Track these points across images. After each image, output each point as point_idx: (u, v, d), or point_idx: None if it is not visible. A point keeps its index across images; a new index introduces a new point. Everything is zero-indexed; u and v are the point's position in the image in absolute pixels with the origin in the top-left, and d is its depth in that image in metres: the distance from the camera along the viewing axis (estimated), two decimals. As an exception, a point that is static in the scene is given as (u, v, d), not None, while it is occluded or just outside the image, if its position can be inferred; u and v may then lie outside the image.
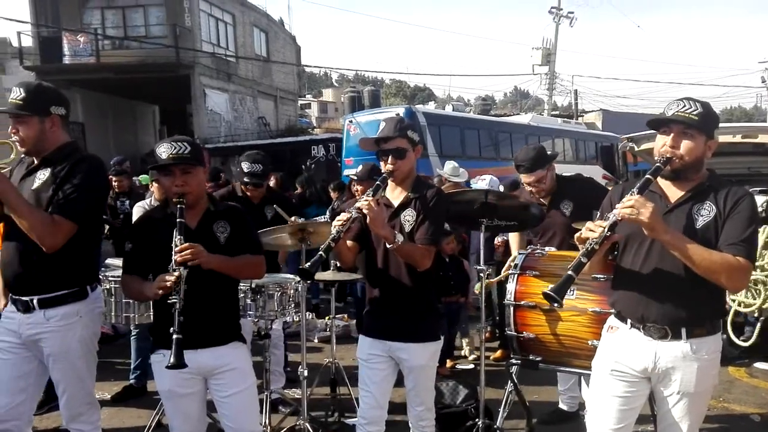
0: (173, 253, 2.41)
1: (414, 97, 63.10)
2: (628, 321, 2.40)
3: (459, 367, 5.43)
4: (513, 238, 4.25)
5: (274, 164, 4.51)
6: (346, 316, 6.85)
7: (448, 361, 5.37)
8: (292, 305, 3.69)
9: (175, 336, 2.34)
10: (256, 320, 3.59)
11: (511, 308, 3.57)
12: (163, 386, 2.62)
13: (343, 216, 2.66)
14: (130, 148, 19.38)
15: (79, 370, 2.70)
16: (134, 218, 4.66)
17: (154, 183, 4.55)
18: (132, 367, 4.67)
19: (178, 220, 2.48)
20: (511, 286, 3.61)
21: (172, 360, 2.33)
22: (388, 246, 2.71)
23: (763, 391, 4.82)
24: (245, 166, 4.18)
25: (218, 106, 20.47)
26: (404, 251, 2.72)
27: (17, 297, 2.64)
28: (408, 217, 2.83)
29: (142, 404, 4.43)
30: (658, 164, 2.28)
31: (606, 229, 2.18)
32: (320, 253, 2.55)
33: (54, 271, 2.59)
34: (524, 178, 3.93)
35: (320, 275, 4.74)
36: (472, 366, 5.47)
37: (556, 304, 2.18)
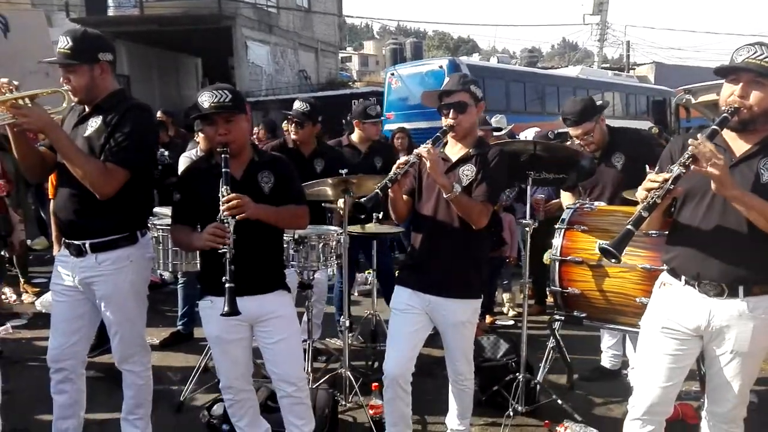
0: (220, 203, 2.41)
1: (458, 49, 61.60)
2: (683, 278, 2.32)
3: (499, 323, 5.41)
4: (564, 195, 4.12)
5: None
6: (386, 269, 6.86)
7: (487, 316, 5.35)
8: (334, 257, 3.70)
9: (227, 285, 2.37)
10: (299, 270, 3.62)
11: (557, 263, 3.49)
12: (211, 332, 2.68)
13: (402, 159, 2.65)
14: (174, 100, 19.56)
15: (130, 312, 2.78)
16: (180, 168, 4.71)
17: (199, 133, 4.57)
18: (179, 314, 4.80)
19: (223, 170, 2.47)
20: (557, 241, 3.52)
21: (226, 308, 2.37)
22: (445, 195, 2.66)
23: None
24: (296, 104, 4.24)
25: (260, 59, 20.41)
26: (461, 203, 2.67)
27: (70, 241, 2.71)
28: (467, 171, 2.78)
29: (190, 349, 4.58)
30: (725, 114, 2.15)
31: (670, 182, 2.07)
32: (376, 190, 2.55)
33: (105, 216, 2.63)
34: (572, 131, 3.78)
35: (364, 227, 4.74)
36: (512, 322, 5.45)
37: (614, 260, 2.09)
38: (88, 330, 2.86)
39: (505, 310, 5.72)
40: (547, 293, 5.61)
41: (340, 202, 3.61)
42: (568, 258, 3.44)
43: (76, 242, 2.68)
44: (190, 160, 4.66)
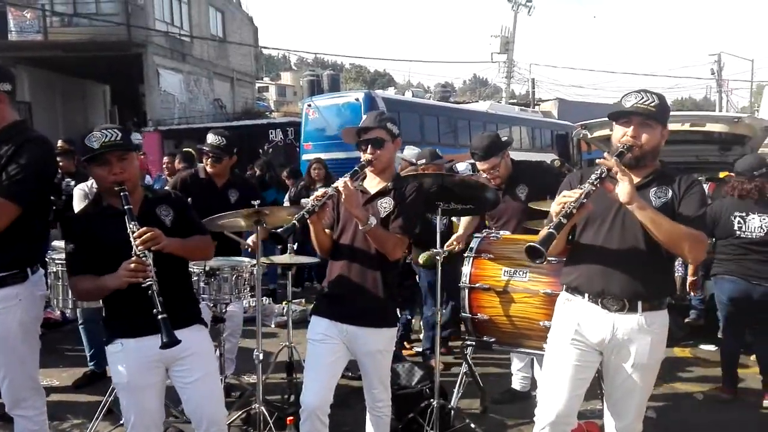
0: (132, 239, 2.34)
1: (374, 82, 62.86)
2: (586, 295, 2.51)
3: (416, 349, 5.48)
4: (464, 220, 4.33)
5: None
6: (303, 300, 6.82)
7: (405, 343, 5.41)
8: (248, 289, 3.65)
9: (160, 316, 2.28)
10: (211, 304, 3.53)
11: (466, 290, 3.62)
12: (120, 378, 2.51)
13: (320, 191, 2.70)
14: (80, 128, 18.59)
15: (20, 354, 2.61)
16: (75, 201, 4.50)
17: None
18: (88, 354, 4.55)
19: (125, 207, 2.39)
20: (466, 269, 3.65)
21: (164, 339, 2.26)
22: (360, 227, 2.72)
23: (706, 371, 5.03)
24: (210, 138, 4.16)
25: (172, 87, 19.93)
26: (377, 235, 2.74)
27: None
28: (385, 204, 2.86)
29: (93, 390, 4.33)
30: (621, 150, 2.40)
31: (583, 195, 2.27)
32: (293, 221, 2.57)
33: None
34: (479, 165, 3.98)
35: (277, 258, 4.71)
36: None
37: (539, 260, 2.24)
38: None
39: (422, 336, 5.80)
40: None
41: (250, 239, 3.58)
42: (477, 285, 3.57)
43: None
44: (84, 191, 4.47)
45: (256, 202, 3.54)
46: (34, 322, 2.68)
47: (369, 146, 2.84)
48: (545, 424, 2.54)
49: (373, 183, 2.94)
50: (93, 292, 2.58)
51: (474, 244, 3.76)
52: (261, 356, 3.56)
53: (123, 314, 2.42)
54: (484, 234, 3.80)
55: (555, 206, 2.36)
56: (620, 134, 2.45)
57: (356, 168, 2.80)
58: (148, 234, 2.36)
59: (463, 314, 3.63)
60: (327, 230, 2.91)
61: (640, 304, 2.42)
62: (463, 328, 3.80)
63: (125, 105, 21.87)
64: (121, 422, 3.58)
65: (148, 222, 2.46)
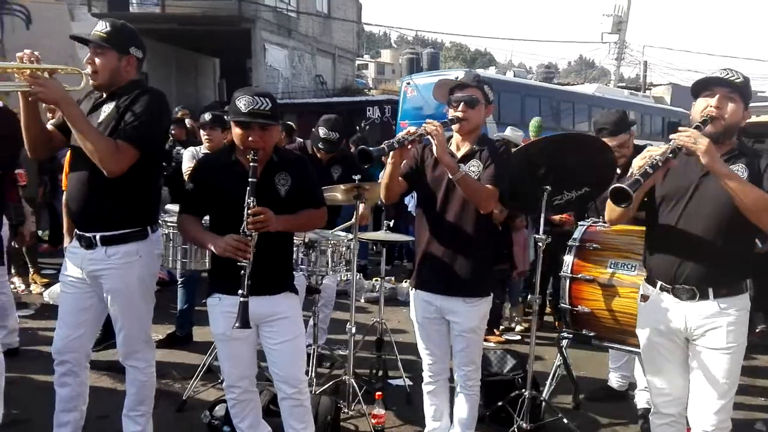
0: (245, 213, 2.42)
1: (474, 61, 61.67)
2: (658, 284, 2.44)
3: (505, 337, 5.36)
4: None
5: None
6: (393, 278, 6.85)
7: (495, 331, 5.31)
8: (343, 263, 3.69)
9: (241, 299, 2.38)
10: (307, 275, 3.60)
11: (567, 281, 3.46)
12: (217, 329, 2.67)
13: (412, 128, 2.65)
14: (191, 100, 19.66)
15: (137, 308, 2.76)
16: (184, 163, 4.69)
17: (201, 130, 4.55)
18: (177, 314, 4.78)
19: (250, 179, 2.46)
20: (568, 258, 3.49)
21: (237, 323, 2.38)
22: (450, 176, 2.67)
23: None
24: (322, 132, 4.23)
25: (277, 62, 20.51)
26: (468, 184, 2.68)
27: (81, 233, 2.70)
28: (473, 167, 2.79)
29: (194, 348, 4.58)
30: (698, 123, 2.29)
31: (669, 151, 2.20)
32: (383, 145, 2.56)
33: (117, 210, 2.63)
34: (607, 142, 3.69)
35: (371, 235, 4.73)
36: (518, 338, 5.40)
37: (624, 204, 2.13)
38: (94, 323, 2.85)
39: (512, 325, 5.68)
40: (548, 308, 5.63)
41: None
42: (579, 276, 3.41)
43: (87, 234, 2.67)
44: (193, 154, 4.65)
45: (356, 177, 3.55)
46: (151, 278, 2.82)
47: (461, 104, 2.76)
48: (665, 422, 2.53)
49: (459, 146, 2.87)
50: (193, 237, 2.76)
51: (578, 233, 3.58)
52: (354, 330, 3.60)
53: (224, 272, 2.54)
54: (590, 222, 3.60)
55: (638, 161, 2.28)
56: (702, 106, 2.34)
57: (446, 120, 2.74)
58: (261, 216, 2.43)
59: (561, 305, 3.48)
60: (400, 179, 2.84)
61: (711, 291, 2.34)
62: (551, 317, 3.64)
63: (233, 78, 22.79)
64: (220, 381, 3.78)
65: (263, 190, 2.53)
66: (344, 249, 3.63)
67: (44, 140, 2.70)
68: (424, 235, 2.89)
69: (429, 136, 2.64)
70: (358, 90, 26.34)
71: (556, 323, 5.19)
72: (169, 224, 3.62)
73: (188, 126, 7.66)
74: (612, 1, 25.79)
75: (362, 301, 6.20)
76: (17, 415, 3.29)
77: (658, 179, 2.33)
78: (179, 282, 4.71)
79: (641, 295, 2.57)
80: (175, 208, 3.96)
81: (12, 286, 5.70)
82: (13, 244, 5.51)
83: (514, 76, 21.11)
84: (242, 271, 2.41)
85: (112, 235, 2.65)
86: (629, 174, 2.29)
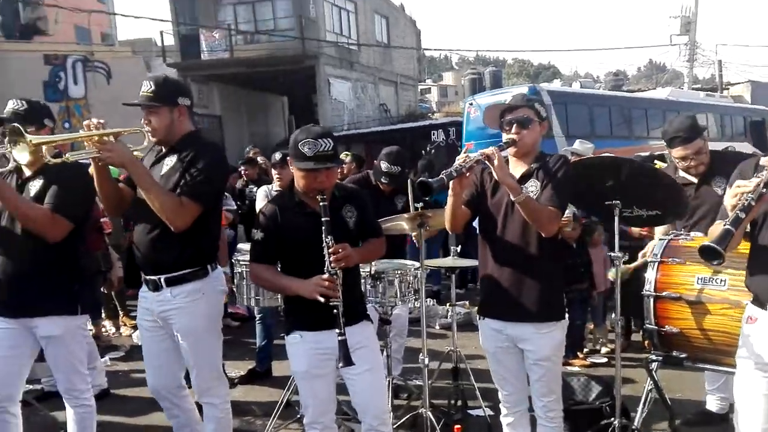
0: (327, 254, 2.46)
1: (538, 75, 60.80)
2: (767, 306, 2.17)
3: (590, 360, 5.12)
4: (660, 230, 3.83)
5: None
6: (467, 303, 6.71)
7: (578, 353, 5.08)
8: (412, 291, 3.65)
9: (339, 338, 2.42)
10: (378, 306, 3.59)
11: (651, 299, 3.25)
12: (298, 367, 2.68)
13: (471, 155, 2.59)
14: (262, 138, 20.41)
15: (206, 344, 2.87)
16: (258, 203, 4.84)
17: (272, 169, 4.71)
18: (257, 351, 4.85)
19: (323, 218, 2.50)
20: (650, 275, 3.28)
21: (341, 363, 2.44)
22: (513, 198, 2.59)
23: None
24: (384, 166, 4.24)
25: (341, 95, 20.97)
26: (530, 206, 2.59)
27: (148, 277, 2.84)
28: (531, 188, 2.69)
29: (273, 383, 4.62)
30: None
31: (762, 184, 1.98)
32: (442, 176, 2.51)
33: (177, 251, 2.75)
34: (680, 151, 3.45)
35: (440, 261, 4.67)
36: (605, 360, 5.14)
37: (716, 261, 1.97)
38: (176, 360, 2.93)
39: (598, 347, 5.42)
40: (632, 327, 5.33)
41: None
42: (664, 294, 3.20)
43: (153, 277, 2.81)
44: (266, 194, 4.79)
45: (418, 205, 3.53)
46: (216, 316, 2.94)
47: (514, 125, 2.69)
48: None
49: (516, 168, 2.76)
50: (273, 286, 2.80)
51: (658, 248, 3.37)
52: (427, 361, 3.53)
53: (303, 309, 2.56)
54: (672, 235, 3.39)
55: (729, 198, 2.09)
56: None
57: (501, 143, 2.67)
58: (343, 254, 2.46)
59: (647, 326, 3.27)
60: (462, 207, 2.77)
61: None
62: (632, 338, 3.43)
63: (301, 114, 23.50)
64: (298, 416, 3.80)
65: (334, 226, 2.56)
66: (411, 278, 3.59)
67: (117, 199, 2.86)
68: (487, 260, 2.82)
69: (487, 161, 2.59)
70: (422, 115, 26.48)
71: (645, 343, 4.91)
72: (242, 263, 3.71)
73: (261, 164, 7.89)
74: (678, 2, 24.77)
75: (437, 327, 6.11)
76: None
77: (755, 213, 2.10)
78: (257, 318, 4.80)
79: (747, 316, 2.32)
80: (247, 246, 4.07)
81: (103, 329, 6.03)
82: (102, 289, 5.83)
83: (581, 87, 20.61)
84: (335, 310, 2.44)
85: (175, 276, 2.77)
86: (720, 212, 2.13)
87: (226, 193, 6.87)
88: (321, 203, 2.52)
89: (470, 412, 3.98)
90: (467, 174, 2.59)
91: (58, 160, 2.69)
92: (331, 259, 2.46)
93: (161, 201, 2.64)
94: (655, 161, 5.94)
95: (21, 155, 2.62)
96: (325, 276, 2.47)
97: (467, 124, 14.25)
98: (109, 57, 17.30)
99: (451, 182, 2.56)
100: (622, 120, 15.05)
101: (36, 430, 3.25)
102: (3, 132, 2.93)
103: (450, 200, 2.72)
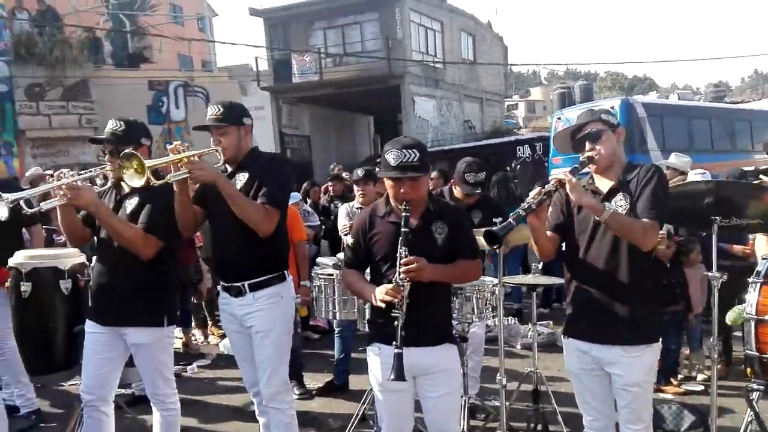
0: (398, 264, 2.46)
1: (632, 88, 58.30)
2: None
3: (685, 387, 4.77)
4: (760, 240, 3.57)
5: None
6: (551, 323, 6.47)
7: (672, 380, 4.76)
8: (490, 309, 3.56)
9: (396, 351, 2.41)
10: (455, 323, 3.52)
11: (753, 323, 3.00)
12: (376, 379, 2.68)
13: (537, 189, 2.52)
14: (349, 156, 20.86)
15: (281, 348, 3.02)
16: (339, 220, 4.95)
17: (356, 188, 4.82)
18: (335, 362, 4.90)
19: (402, 229, 2.50)
20: (752, 297, 3.04)
21: (392, 376, 2.40)
22: (597, 217, 2.48)
23: None
24: (469, 177, 4.17)
25: (426, 113, 21.07)
26: (619, 222, 2.46)
27: (229, 284, 2.99)
28: (620, 201, 2.55)
29: (349, 396, 4.65)
30: None
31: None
32: (510, 220, 2.43)
33: (259, 259, 2.94)
34: None
35: (520, 279, 4.53)
36: (701, 387, 4.77)
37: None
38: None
39: (694, 373, 5.05)
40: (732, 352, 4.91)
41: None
42: (767, 317, 2.94)
43: (236, 284, 2.96)
44: (347, 211, 4.89)
45: (497, 220, 3.46)
46: (290, 320, 3.09)
47: (586, 142, 2.59)
48: None
49: (601, 183, 2.64)
50: (354, 290, 2.84)
51: (762, 267, 3.11)
52: (504, 381, 3.43)
53: (384, 322, 2.54)
54: (775, 255, 3.12)
55: None
56: None
57: (576, 165, 2.58)
58: (413, 266, 2.44)
59: (748, 352, 3.02)
60: (549, 233, 2.68)
61: None
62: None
63: (386, 133, 23.82)
64: (374, 430, 3.79)
65: (421, 236, 2.57)
66: (489, 294, 3.51)
67: (193, 218, 3.03)
68: (574, 279, 2.70)
69: (560, 187, 2.51)
70: (508, 131, 26.08)
71: (747, 371, 4.52)
72: (320, 276, 3.78)
73: (346, 181, 8.06)
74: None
75: (518, 347, 5.92)
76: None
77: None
78: (336, 331, 4.86)
79: None
80: (326, 260, 4.15)
81: (192, 337, 6.33)
82: (193, 299, 6.13)
83: (679, 99, 19.55)
84: (395, 322, 2.42)
85: (257, 282, 2.95)
86: None
87: (309, 209, 7.11)
88: (403, 213, 2.53)
89: (552, 436, 3.82)
90: (538, 209, 2.52)
91: (162, 182, 2.82)
92: (401, 270, 2.44)
93: (248, 211, 2.82)
94: (761, 176, 5.51)
95: (134, 180, 2.74)
96: (390, 285, 2.46)
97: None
98: (207, 82, 18.38)
99: (528, 216, 2.50)
100: (724, 133, 14.11)
101: (123, 432, 3.44)
102: (103, 152, 3.18)
103: (532, 234, 2.65)
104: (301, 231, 4.98)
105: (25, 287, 3.48)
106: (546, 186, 2.53)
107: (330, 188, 7.89)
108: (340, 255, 4.16)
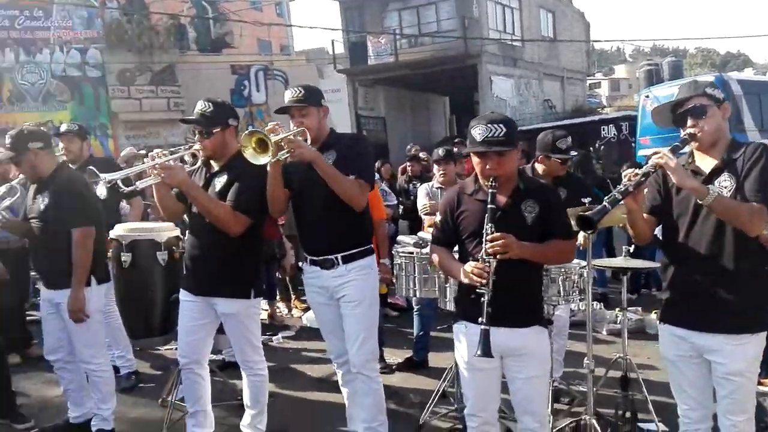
0: (484, 240, 2.41)
1: (725, 65, 54.62)
2: None
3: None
4: None
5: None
6: (639, 309, 6.21)
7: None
8: (577, 292, 3.44)
9: (482, 327, 2.37)
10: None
11: None
12: (462, 357, 2.67)
13: (632, 171, 2.40)
14: (424, 138, 20.78)
15: (371, 318, 3.12)
16: (419, 199, 4.94)
17: (437, 168, 4.78)
18: (414, 340, 4.92)
19: (488, 206, 2.45)
20: None
21: (478, 352, 2.37)
22: (700, 201, 2.33)
23: None
24: (561, 143, 4.01)
25: (504, 92, 20.63)
26: (724, 205, 2.31)
27: (322, 257, 3.08)
28: (725, 183, 2.38)
29: (429, 373, 4.67)
30: None
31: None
32: (605, 203, 2.32)
33: (351, 233, 3.07)
34: None
35: (608, 262, 4.37)
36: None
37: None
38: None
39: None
40: None
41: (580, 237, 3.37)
42: None
43: (329, 257, 3.05)
44: (426, 191, 4.87)
45: (586, 200, 3.34)
46: (377, 293, 3.20)
47: (688, 118, 2.42)
48: None
49: (704, 162, 2.46)
50: (440, 267, 2.81)
51: None
52: (592, 365, 3.33)
53: (471, 300, 2.50)
54: None
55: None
56: None
57: (676, 143, 2.42)
58: (499, 242, 2.38)
59: None
60: (646, 215, 2.55)
61: None
62: None
63: (462, 113, 23.54)
64: (454, 408, 3.79)
65: (510, 215, 2.52)
66: (576, 277, 3.39)
67: (285, 198, 3.13)
68: (672, 263, 2.56)
69: (659, 169, 2.37)
70: (591, 110, 25.14)
71: None
72: (401, 254, 3.79)
73: (423, 161, 8.03)
74: None
75: (604, 333, 5.73)
76: (277, 425, 3.64)
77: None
78: (415, 309, 4.88)
79: None
80: (407, 239, 4.15)
81: (277, 310, 6.56)
82: (277, 274, 6.34)
83: (781, 75, 18.11)
84: (482, 299, 2.38)
85: (350, 254, 3.06)
86: None
87: (386, 189, 7.14)
88: (490, 189, 2.47)
89: (641, 425, 3.67)
90: (636, 192, 2.39)
91: (271, 160, 2.84)
92: (487, 246, 2.39)
93: (345, 184, 2.92)
94: None
95: (257, 158, 2.81)
96: (476, 262, 2.42)
97: (642, 118, 13.20)
98: (286, 66, 18.79)
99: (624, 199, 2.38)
100: (833, 110, 12.97)
101: (216, 395, 3.61)
102: (192, 132, 3.30)
103: (629, 217, 2.53)
104: (381, 210, 5.00)
105: (125, 257, 3.74)
106: (643, 167, 2.40)
107: (408, 168, 7.88)
108: (421, 234, 4.16)
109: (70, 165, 4.26)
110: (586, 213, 2.36)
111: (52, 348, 3.62)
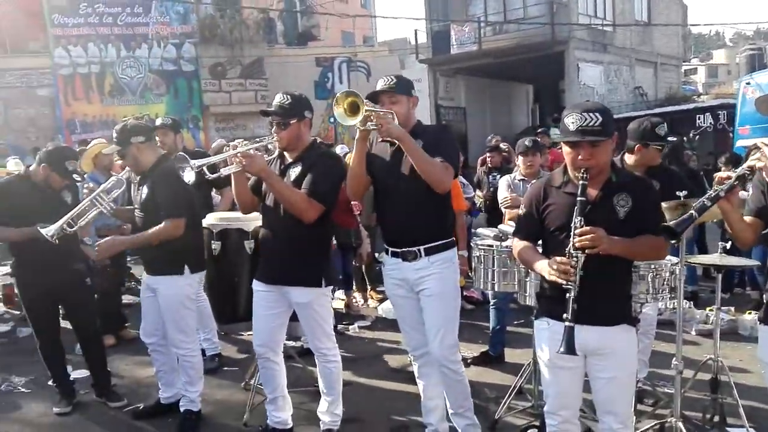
0: (572, 234, 2.35)
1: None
2: None
3: None
4: None
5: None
6: (732, 309, 5.85)
7: None
8: (667, 290, 3.30)
9: (566, 324, 2.31)
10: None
11: None
12: (543, 355, 2.63)
13: (725, 173, 2.29)
14: (505, 128, 20.33)
15: (452, 310, 3.15)
16: (500, 191, 4.89)
17: (523, 159, 4.72)
18: (490, 334, 4.87)
19: (578, 198, 2.38)
20: None
21: (562, 349, 2.32)
22: None
23: None
24: (660, 130, 3.85)
25: (591, 80, 19.81)
26: None
27: (405, 249, 3.10)
28: None
29: (504, 368, 4.64)
30: None
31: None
32: (692, 212, 2.21)
33: (434, 225, 3.09)
34: None
35: (702, 259, 4.14)
36: None
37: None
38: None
39: None
40: None
41: None
42: None
43: (412, 249, 3.08)
44: (508, 182, 4.80)
45: (681, 194, 3.18)
46: (458, 286, 3.23)
47: None
48: None
49: None
50: (522, 261, 2.73)
51: None
52: (681, 366, 3.19)
53: (552, 295, 2.46)
54: None
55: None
56: None
57: None
58: (588, 236, 2.31)
59: None
60: (749, 219, 2.40)
61: None
62: None
63: (546, 102, 22.84)
64: (531, 405, 3.74)
65: (601, 209, 2.44)
66: (667, 274, 3.24)
67: (365, 182, 3.18)
68: None
69: (750, 172, 2.24)
70: (685, 97, 23.70)
71: None
72: (480, 247, 3.76)
73: (504, 152, 7.90)
74: None
75: (693, 333, 5.44)
76: (349, 413, 3.71)
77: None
78: (491, 303, 4.83)
79: None
80: (487, 231, 4.12)
81: (353, 299, 6.68)
82: (354, 263, 6.45)
83: None
84: (567, 294, 2.32)
85: (434, 246, 3.08)
86: None
87: (464, 180, 7.08)
88: (580, 181, 2.39)
89: (730, 430, 3.49)
90: (729, 196, 2.26)
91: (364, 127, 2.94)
92: (575, 240, 2.32)
93: (433, 166, 2.93)
94: None
95: (346, 119, 2.89)
96: (562, 257, 2.35)
97: (742, 106, 12.32)
98: (369, 57, 18.95)
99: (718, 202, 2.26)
100: None
101: (295, 381, 3.73)
102: (271, 123, 3.43)
103: (725, 218, 2.39)
104: (461, 201, 4.99)
105: (215, 245, 3.94)
106: (738, 169, 2.26)
107: (488, 159, 7.77)
108: (502, 226, 4.11)
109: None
110: (670, 224, 2.26)
111: (149, 331, 3.86)
